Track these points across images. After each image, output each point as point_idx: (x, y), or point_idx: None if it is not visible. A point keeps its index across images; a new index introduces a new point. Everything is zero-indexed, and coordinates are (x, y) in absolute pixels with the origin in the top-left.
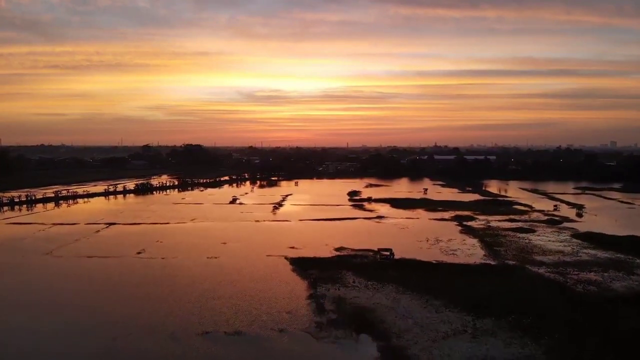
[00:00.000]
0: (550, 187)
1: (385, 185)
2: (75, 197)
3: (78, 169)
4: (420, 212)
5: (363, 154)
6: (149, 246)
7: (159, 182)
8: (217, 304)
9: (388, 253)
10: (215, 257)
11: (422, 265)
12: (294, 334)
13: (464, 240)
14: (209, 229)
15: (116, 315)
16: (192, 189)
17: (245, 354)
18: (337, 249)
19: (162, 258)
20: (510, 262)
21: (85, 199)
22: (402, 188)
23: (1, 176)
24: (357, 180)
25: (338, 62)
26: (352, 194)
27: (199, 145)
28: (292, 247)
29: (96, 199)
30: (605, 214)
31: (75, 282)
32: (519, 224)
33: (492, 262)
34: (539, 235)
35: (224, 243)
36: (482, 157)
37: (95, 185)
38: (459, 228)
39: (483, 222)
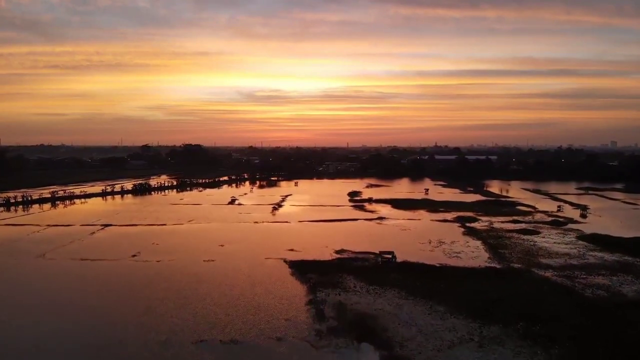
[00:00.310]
0: (553, 187)
1: (385, 186)
2: (72, 197)
3: (77, 169)
4: (422, 213)
5: (363, 154)
6: (144, 249)
7: (158, 183)
8: (212, 310)
9: (390, 256)
10: (212, 260)
11: (425, 268)
12: (293, 342)
13: (467, 242)
14: (207, 230)
15: (106, 321)
16: (190, 190)
17: None
18: (337, 252)
19: (158, 261)
20: (516, 266)
21: (83, 200)
22: (402, 188)
23: None
24: (358, 181)
25: (338, 62)
26: (353, 195)
27: (198, 145)
28: (291, 250)
29: (93, 199)
30: (609, 214)
31: (65, 286)
32: (523, 225)
33: (497, 266)
34: (543, 237)
35: (222, 245)
36: (484, 157)
37: (93, 186)
38: (462, 229)
39: (486, 224)
